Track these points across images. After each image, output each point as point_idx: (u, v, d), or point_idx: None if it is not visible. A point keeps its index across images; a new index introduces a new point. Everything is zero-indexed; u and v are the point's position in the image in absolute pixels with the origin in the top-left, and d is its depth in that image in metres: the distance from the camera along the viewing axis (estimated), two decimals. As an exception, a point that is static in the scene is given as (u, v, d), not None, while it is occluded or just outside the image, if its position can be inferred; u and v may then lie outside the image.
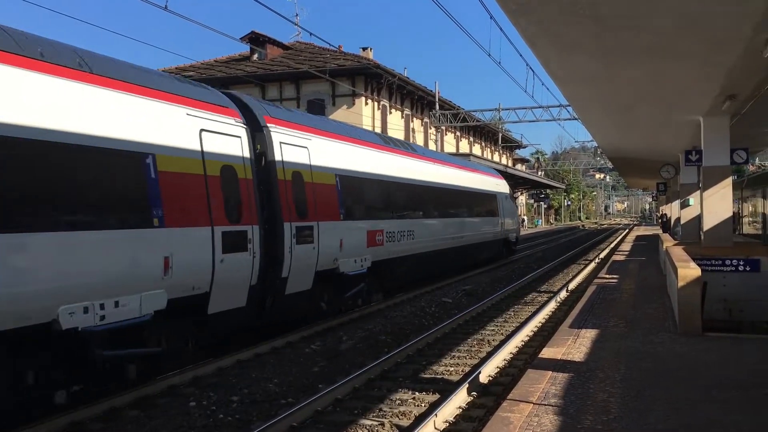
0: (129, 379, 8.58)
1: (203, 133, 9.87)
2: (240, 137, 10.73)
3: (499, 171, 33.38)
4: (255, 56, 38.71)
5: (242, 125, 10.90)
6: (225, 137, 10.37)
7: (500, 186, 29.04)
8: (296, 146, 12.43)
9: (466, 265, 23.55)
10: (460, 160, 27.20)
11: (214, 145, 10.05)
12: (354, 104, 35.54)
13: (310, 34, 27.11)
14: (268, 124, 11.79)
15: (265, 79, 36.23)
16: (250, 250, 10.50)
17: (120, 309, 7.99)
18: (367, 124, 34.37)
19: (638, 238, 43.62)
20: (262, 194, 11.24)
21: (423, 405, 8.11)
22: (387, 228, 15.98)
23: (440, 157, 23.25)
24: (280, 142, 11.93)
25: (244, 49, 39.61)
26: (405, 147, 19.37)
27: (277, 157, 11.74)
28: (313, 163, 12.93)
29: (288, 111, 13.86)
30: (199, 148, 9.71)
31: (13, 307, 6.74)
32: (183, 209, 9.20)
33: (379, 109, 37.40)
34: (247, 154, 10.83)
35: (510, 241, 30.16)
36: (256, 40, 37.52)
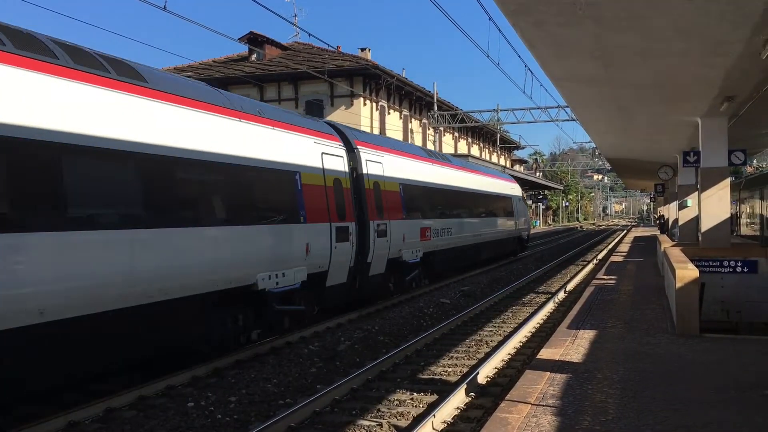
0: (284, 328, 12.12)
1: (323, 155, 13.36)
2: (342, 157, 14.25)
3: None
4: (253, 57, 38.69)
5: (342, 147, 14.42)
6: (334, 157, 13.84)
7: (515, 189, 32.82)
8: (375, 162, 15.87)
9: (488, 258, 26.94)
10: (483, 167, 31.36)
11: (329, 163, 13.55)
12: (352, 105, 35.53)
13: (309, 34, 27.23)
14: (358, 146, 15.18)
15: (263, 79, 36.21)
16: (350, 240, 13.97)
17: (285, 278, 11.46)
18: (365, 124, 34.36)
19: (636, 239, 43.65)
20: (355, 199, 14.53)
21: (421, 406, 8.11)
22: (433, 225, 19.24)
23: (468, 166, 26.68)
24: (366, 160, 15.36)
25: (243, 49, 39.59)
26: (442, 158, 23.18)
27: (364, 171, 15.16)
28: (386, 174, 16.33)
29: (367, 134, 18.54)
30: (321, 167, 13.20)
31: (238, 273, 10.31)
32: (315, 210, 12.63)
33: (377, 109, 37.41)
34: (346, 169, 14.34)
35: (522, 238, 33.45)
36: (254, 40, 37.50)
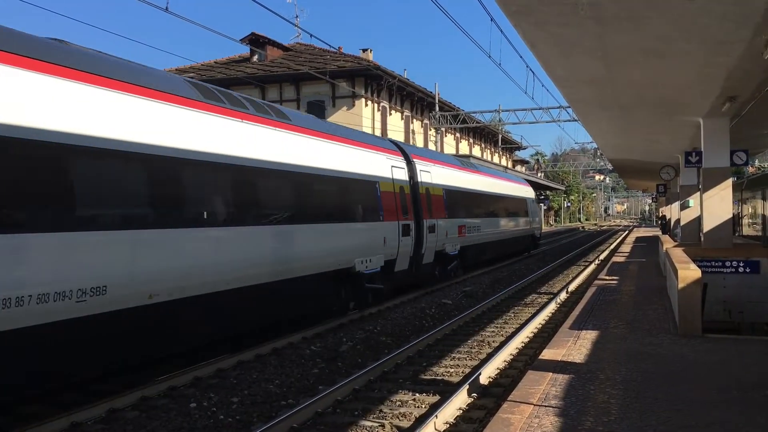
0: (368, 302, 15.28)
1: (392, 168, 16.83)
2: (404, 168, 17.71)
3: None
4: (255, 58, 38.74)
5: (404, 161, 17.89)
6: (399, 169, 17.31)
7: (529, 192, 36.30)
8: (425, 172, 19.21)
9: (508, 253, 30.55)
10: (503, 172, 36.32)
11: (396, 174, 17.00)
12: (354, 106, 35.55)
13: (310, 35, 27.19)
14: (413, 159, 18.60)
15: (265, 80, 36.25)
16: (411, 235, 17.30)
17: (371, 263, 14.88)
18: (367, 125, 34.37)
19: (638, 239, 43.62)
20: (413, 202, 17.74)
21: (423, 406, 8.11)
22: (467, 224, 22.47)
23: (492, 172, 30.62)
24: (420, 170, 18.69)
25: (244, 50, 39.63)
26: (472, 166, 26.99)
27: (419, 179, 18.44)
28: (433, 182, 19.63)
29: (418, 148, 23.82)
30: (391, 177, 16.63)
31: (344, 258, 13.79)
32: (388, 211, 16.03)
33: (379, 110, 37.42)
34: (407, 178, 17.76)
35: (536, 236, 36.59)
36: (256, 41, 37.53)
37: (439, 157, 22.98)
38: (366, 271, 14.65)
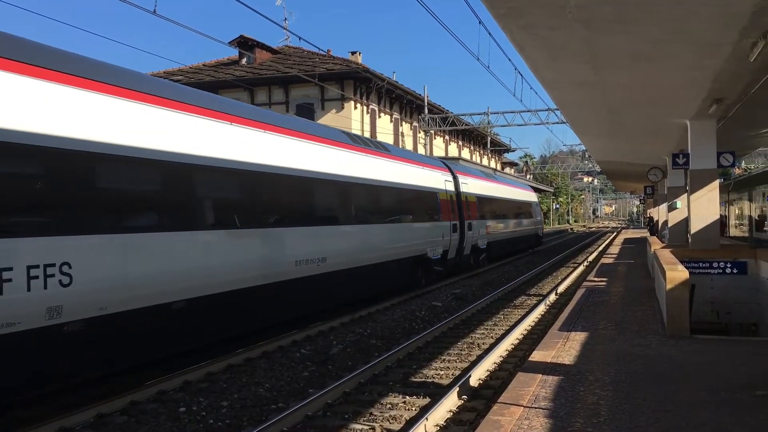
0: (433, 280, 20.71)
1: (445, 181, 22.43)
2: (452, 181, 23.22)
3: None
4: (244, 60, 38.62)
5: (451, 175, 23.42)
6: (449, 182, 22.86)
7: (533, 197, 42.76)
8: (465, 183, 24.72)
9: (519, 248, 36.02)
10: (514, 180, 44.46)
11: (447, 186, 22.54)
12: (343, 108, 35.52)
13: (299, 38, 27.21)
14: (456, 174, 24.12)
15: (253, 83, 36.14)
16: (457, 232, 22.73)
17: (434, 252, 20.35)
18: (356, 128, 34.36)
19: (626, 240, 43.81)
20: (458, 207, 23.18)
21: (414, 409, 8.10)
22: (491, 224, 28.18)
23: (507, 181, 37.94)
24: (461, 182, 24.25)
25: (233, 53, 39.48)
26: (493, 177, 33.69)
27: (460, 189, 23.87)
28: (469, 191, 25.20)
29: (457, 164, 28.52)
30: (444, 188, 22.12)
31: (420, 248, 19.35)
32: (444, 213, 21.54)
33: (368, 113, 37.42)
34: (453, 189, 23.14)
35: (539, 235, 42.53)
36: (244, 44, 37.42)
37: (472, 171, 29.14)
38: (433, 257, 20.40)
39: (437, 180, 21.72)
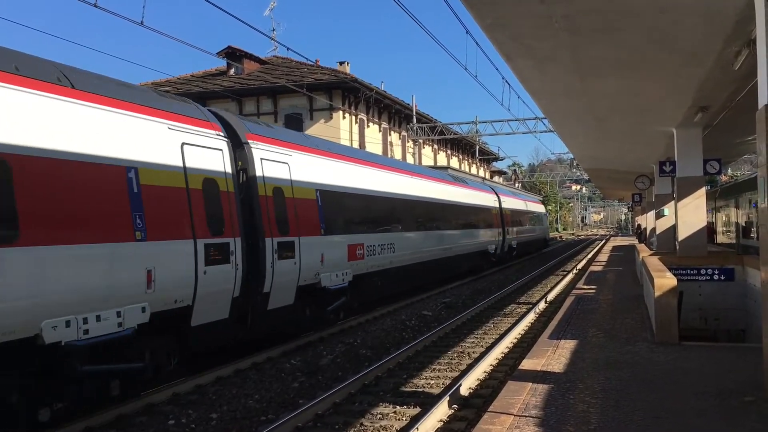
0: (491, 267, 32.06)
1: (493, 200, 33.28)
2: (497, 198, 34.16)
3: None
4: (232, 71, 38.59)
5: (495, 194, 34.35)
6: (496, 199, 33.90)
7: (541, 207, 55.98)
8: (504, 200, 35.75)
9: (537, 248, 49.28)
10: (532, 196, 61.69)
11: (494, 203, 33.42)
12: (332, 118, 35.53)
13: (287, 48, 26.96)
14: (500, 196, 35.05)
15: (242, 93, 36.12)
16: (501, 235, 33.56)
17: (492, 248, 31.65)
18: (344, 138, 34.38)
19: (615, 248, 43.98)
20: (501, 218, 33.76)
21: (404, 419, 8.08)
22: (521, 230, 39.94)
23: (530, 198, 52.69)
24: (501, 198, 35.05)
25: (221, 63, 39.43)
26: (520, 195, 46.74)
27: (501, 205, 34.26)
28: (506, 207, 35.84)
29: (501, 186, 46.67)
30: (495, 205, 33.42)
31: (481, 245, 30.13)
32: (495, 223, 32.59)
33: (356, 122, 37.45)
34: (498, 205, 33.42)
35: (546, 238, 57.56)
36: (232, 54, 37.41)
37: (511, 193, 41.40)
38: (491, 251, 30.93)
39: (489, 199, 32.30)
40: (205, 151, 10.52)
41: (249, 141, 12.19)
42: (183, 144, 10.04)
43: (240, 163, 11.86)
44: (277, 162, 12.88)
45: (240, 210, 11.14)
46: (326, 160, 15.20)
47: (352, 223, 15.64)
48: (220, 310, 10.49)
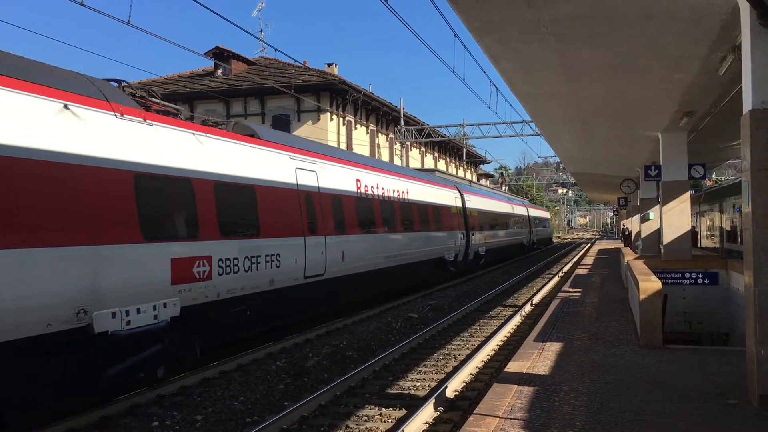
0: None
1: (527, 209, 50.36)
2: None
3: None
4: (219, 72, 38.47)
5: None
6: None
7: (547, 213, 70.89)
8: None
9: (545, 245, 61.84)
10: (542, 208, 76.56)
11: (538, 214, 58.41)
12: (319, 120, 35.51)
13: (275, 49, 26.95)
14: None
15: (229, 94, 36.02)
16: (525, 232, 47.61)
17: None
18: (332, 139, 34.36)
19: (600, 251, 44.23)
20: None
21: (390, 421, 8.08)
22: (539, 230, 56.59)
23: (521, 202, 54.33)
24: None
25: (209, 64, 39.32)
26: (508, 199, 46.70)
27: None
28: (536, 215, 55.19)
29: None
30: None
31: (520, 239, 45.28)
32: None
33: (344, 124, 37.45)
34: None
35: (550, 238, 71.48)
36: (220, 55, 37.29)
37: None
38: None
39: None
40: (457, 200, 28.66)
41: (463, 194, 29.70)
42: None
43: (463, 202, 29.48)
44: (470, 200, 30.82)
45: (464, 220, 27.72)
46: (481, 198, 35.01)
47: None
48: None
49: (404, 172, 22.82)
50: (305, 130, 33.61)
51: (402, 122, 42.48)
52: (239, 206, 11.76)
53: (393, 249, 18.82)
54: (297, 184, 13.69)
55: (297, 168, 13.82)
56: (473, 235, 28.77)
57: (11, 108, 7.59)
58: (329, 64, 39.64)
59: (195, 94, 35.68)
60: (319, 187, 14.57)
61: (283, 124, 34.37)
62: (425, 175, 27.32)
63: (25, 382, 7.74)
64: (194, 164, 10.49)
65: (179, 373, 10.11)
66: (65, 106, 8.31)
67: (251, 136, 12.78)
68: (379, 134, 43.02)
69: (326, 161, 15.34)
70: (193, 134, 10.77)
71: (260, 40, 26.57)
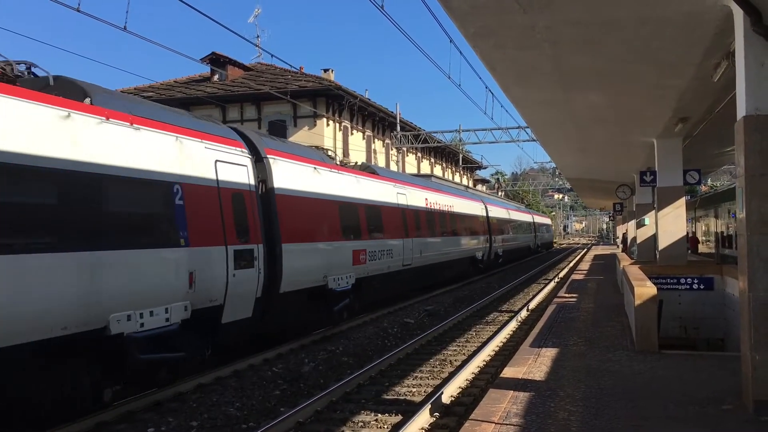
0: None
1: (534, 216, 60.63)
2: (531, 215, 57.90)
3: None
4: (216, 77, 38.47)
5: (530, 212, 56.85)
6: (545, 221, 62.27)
7: (548, 220, 78.20)
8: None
9: (547, 248, 67.62)
10: (545, 215, 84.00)
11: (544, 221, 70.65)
12: (315, 125, 35.52)
13: (272, 55, 27.18)
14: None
15: (225, 100, 36.01)
16: (531, 237, 55.25)
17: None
18: (328, 145, 34.36)
19: (596, 257, 44.29)
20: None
21: (386, 427, 8.07)
22: (545, 235, 67.17)
23: (535, 212, 67.30)
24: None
25: (205, 69, 39.31)
26: (524, 209, 60.34)
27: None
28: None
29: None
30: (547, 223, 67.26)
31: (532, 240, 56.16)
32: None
33: (340, 130, 37.48)
34: (530, 218, 54.39)
35: (551, 242, 77.30)
36: (216, 61, 37.29)
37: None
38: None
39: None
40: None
41: (487, 206, 35.14)
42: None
43: (486, 212, 34.31)
44: (493, 209, 36.41)
45: (488, 227, 34.39)
46: (501, 208, 40.47)
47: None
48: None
49: (450, 190, 30.70)
50: (301, 136, 33.62)
51: (398, 128, 42.53)
52: (374, 219, 18.01)
53: (447, 248, 25.50)
54: (398, 204, 20.28)
55: (398, 193, 20.48)
56: (494, 239, 35.45)
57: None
58: (326, 70, 39.64)
59: (191, 99, 35.68)
60: (408, 205, 21.10)
61: (279, 129, 34.37)
62: (463, 191, 36.71)
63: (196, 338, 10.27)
64: (358, 194, 16.97)
65: (181, 376, 10.10)
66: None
67: (373, 173, 19.18)
68: (376, 140, 43.06)
69: (410, 187, 22.13)
70: (356, 177, 17.22)
71: (257, 45, 26.77)
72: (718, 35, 8.47)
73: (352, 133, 39.04)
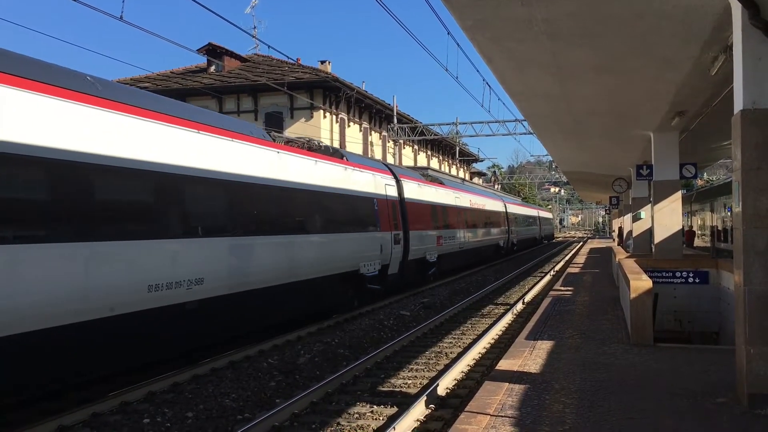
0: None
1: (540, 213, 70.41)
2: (538, 212, 69.76)
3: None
4: (212, 68, 38.34)
5: (538, 211, 68.67)
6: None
7: (550, 214, 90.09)
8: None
9: (549, 239, 77.95)
10: (545, 209, 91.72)
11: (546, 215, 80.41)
12: (312, 117, 35.46)
13: (268, 46, 26.88)
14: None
15: (222, 91, 35.91)
16: (537, 229, 64.02)
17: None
18: (325, 137, 34.30)
19: (592, 250, 44.36)
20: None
21: (381, 418, 8.09)
22: (542, 225, 70.40)
23: (543, 209, 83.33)
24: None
25: (201, 60, 39.17)
26: (532, 205, 74.18)
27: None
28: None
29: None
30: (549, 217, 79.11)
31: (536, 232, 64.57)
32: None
33: (337, 122, 37.42)
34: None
35: (552, 234, 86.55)
36: (213, 51, 37.16)
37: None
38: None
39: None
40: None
41: (506, 206, 42.75)
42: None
43: (506, 211, 41.58)
44: (512, 207, 44.38)
45: (506, 222, 41.72)
46: (515, 206, 47.39)
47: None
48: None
49: (480, 191, 39.26)
50: (298, 128, 33.56)
51: (395, 120, 42.48)
52: (446, 216, 26.29)
53: (483, 237, 33.63)
54: (456, 205, 28.44)
55: (455, 197, 28.58)
56: (511, 230, 43.38)
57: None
58: (322, 62, 39.51)
59: (187, 90, 35.56)
60: (460, 206, 29.17)
61: (275, 121, 34.31)
62: (488, 192, 45.55)
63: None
64: (437, 199, 25.42)
65: (182, 367, 10.11)
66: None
67: (438, 181, 27.43)
68: (372, 132, 43.01)
69: (460, 192, 30.19)
70: (435, 188, 25.46)
71: (253, 36, 26.66)
72: (716, 29, 8.47)
73: (348, 125, 38.99)
